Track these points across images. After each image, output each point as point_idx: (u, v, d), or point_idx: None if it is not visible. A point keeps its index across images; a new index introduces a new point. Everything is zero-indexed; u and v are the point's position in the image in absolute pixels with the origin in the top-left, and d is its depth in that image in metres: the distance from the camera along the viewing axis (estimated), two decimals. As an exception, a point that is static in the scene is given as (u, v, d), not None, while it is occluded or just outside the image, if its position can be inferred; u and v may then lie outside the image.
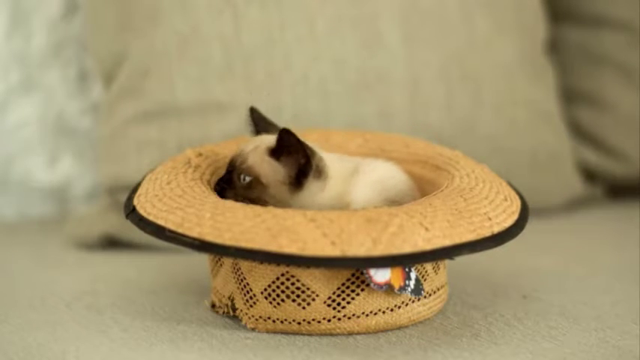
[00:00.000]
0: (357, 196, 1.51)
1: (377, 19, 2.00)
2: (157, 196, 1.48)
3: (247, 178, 1.49)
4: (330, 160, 1.52)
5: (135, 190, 1.53)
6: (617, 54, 2.19)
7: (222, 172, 1.60)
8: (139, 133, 1.94)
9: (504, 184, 1.55)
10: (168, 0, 1.93)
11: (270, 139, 1.51)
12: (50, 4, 2.13)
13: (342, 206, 1.49)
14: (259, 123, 1.57)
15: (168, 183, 1.50)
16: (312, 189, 1.50)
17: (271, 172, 1.49)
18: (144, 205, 1.47)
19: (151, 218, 1.44)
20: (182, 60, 1.93)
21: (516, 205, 1.50)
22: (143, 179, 1.55)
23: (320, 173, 1.50)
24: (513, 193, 1.54)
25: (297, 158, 1.48)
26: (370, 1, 2.00)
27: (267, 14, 1.95)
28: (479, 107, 2.05)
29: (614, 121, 2.19)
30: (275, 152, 1.49)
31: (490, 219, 1.43)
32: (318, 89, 1.95)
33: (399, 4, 2.01)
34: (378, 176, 1.53)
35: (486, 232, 1.42)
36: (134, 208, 1.48)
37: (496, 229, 1.43)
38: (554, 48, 2.22)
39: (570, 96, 2.22)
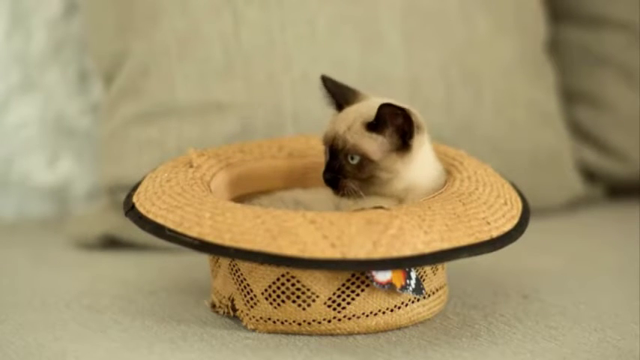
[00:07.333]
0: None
1: (377, 19, 1.99)
2: (156, 193, 1.47)
3: (356, 157, 1.48)
4: None
5: (135, 188, 1.53)
6: (617, 54, 2.19)
7: (223, 173, 1.60)
8: (139, 133, 1.94)
9: (507, 186, 1.55)
10: (168, 0, 1.93)
11: (358, 112, 1.50)
12: (50, 4, 2.13)
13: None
14: (335, 91, 1.55)
15: (168, 181, 1.50)
16: (418, 144, 1.49)
17: (377, 146, 1.48)
18: (143, 202, 1.47)
19: (150, 216, 1.44)
20: (182, 60, 1.93)
21: (517, 209, 1.50)
22: (144, 178, 1.55)
23: (419, 126, 1.49)
24: (515, 196, 1.53)
25: (396, 122, 1.47)
26: (370, 1, 2.00)
27: (267, 14, 1.95)
28: (479, 107, 2.04)
29: (614, 121, 2.19)
30: (374, 126, 1.48)
31: (489, 223, 1.43)
32: (318, 89, 1.95)
33: (399, 4, 2.01)
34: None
35: (485, 237, 1.42)
36: (133, 206, 1.48)
37: (495, 234, 1.43)
38: (554, 48, 2.22)
39: (570, 96, 2.21)
